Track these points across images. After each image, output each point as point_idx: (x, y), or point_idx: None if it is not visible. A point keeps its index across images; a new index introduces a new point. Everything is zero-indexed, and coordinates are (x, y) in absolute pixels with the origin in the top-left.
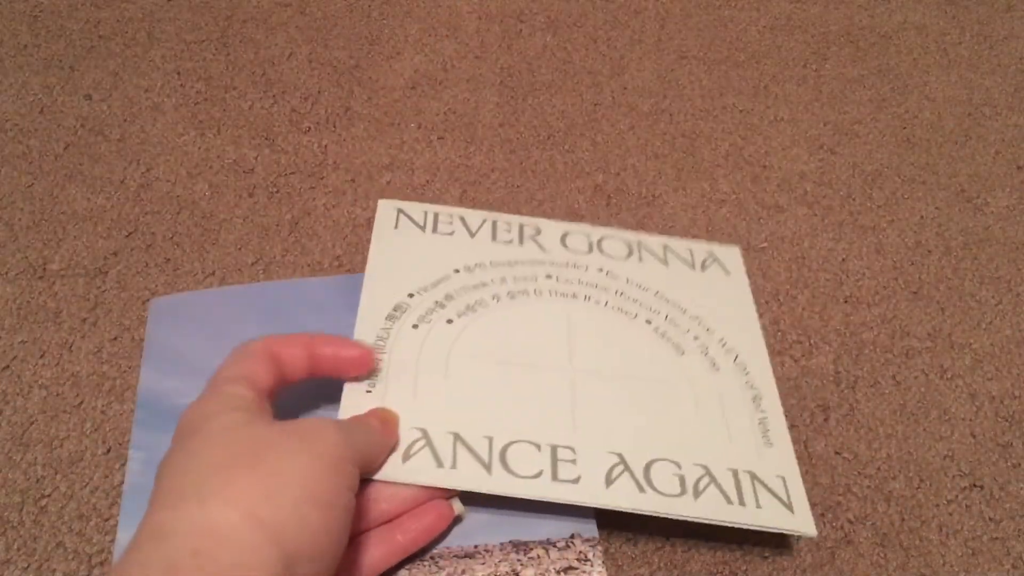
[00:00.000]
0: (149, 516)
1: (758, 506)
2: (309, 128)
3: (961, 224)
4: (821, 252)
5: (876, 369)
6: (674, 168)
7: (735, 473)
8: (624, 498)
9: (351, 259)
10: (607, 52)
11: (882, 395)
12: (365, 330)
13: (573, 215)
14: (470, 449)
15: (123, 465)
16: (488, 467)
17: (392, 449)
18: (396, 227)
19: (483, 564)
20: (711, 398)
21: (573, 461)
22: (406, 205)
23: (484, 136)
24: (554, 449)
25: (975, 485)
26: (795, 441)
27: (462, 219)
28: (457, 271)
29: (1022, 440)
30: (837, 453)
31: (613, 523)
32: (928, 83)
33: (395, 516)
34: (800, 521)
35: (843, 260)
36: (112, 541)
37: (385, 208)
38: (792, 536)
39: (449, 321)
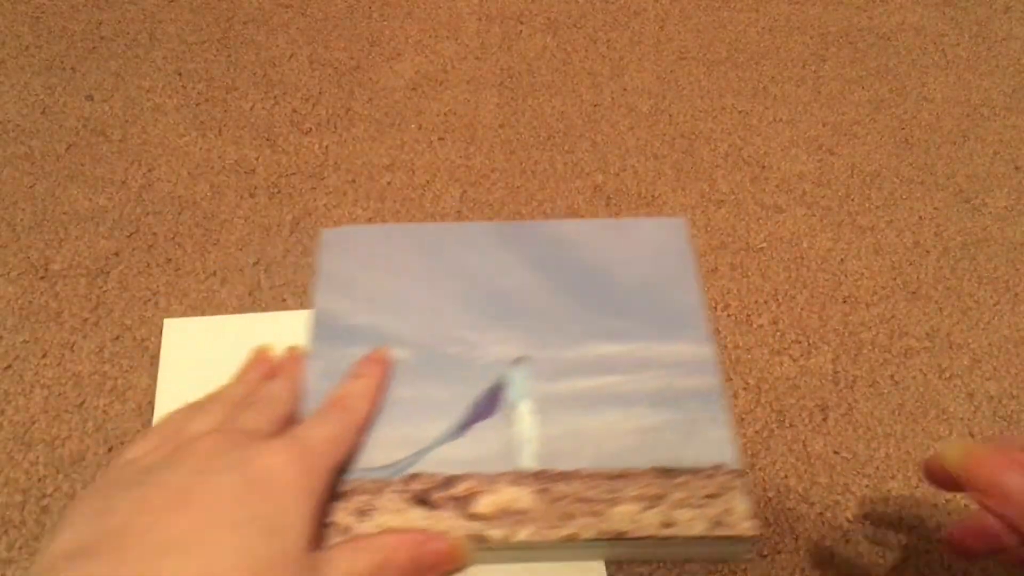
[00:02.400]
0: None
1: None
2: (310, 129)
3: (959, 224)
4: (820, 252)
5: (874, 369)
6: (673, 168)
7: None
8: None
9: None
10: (607, 53)
11: (880, 395)
12: None
13: (573, 215)
14: None
15: None
16: None
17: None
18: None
19: (632, 485)
20: None
21: None
22: None
23: (484, 137)
24: None
25: None
26: (794, 440)
27: None
28: None
29: None
30: (836, 452)
31: None
32: (926, 84)
33: None
34: None
35: (842, 260)
36: None
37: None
38: None
39: None
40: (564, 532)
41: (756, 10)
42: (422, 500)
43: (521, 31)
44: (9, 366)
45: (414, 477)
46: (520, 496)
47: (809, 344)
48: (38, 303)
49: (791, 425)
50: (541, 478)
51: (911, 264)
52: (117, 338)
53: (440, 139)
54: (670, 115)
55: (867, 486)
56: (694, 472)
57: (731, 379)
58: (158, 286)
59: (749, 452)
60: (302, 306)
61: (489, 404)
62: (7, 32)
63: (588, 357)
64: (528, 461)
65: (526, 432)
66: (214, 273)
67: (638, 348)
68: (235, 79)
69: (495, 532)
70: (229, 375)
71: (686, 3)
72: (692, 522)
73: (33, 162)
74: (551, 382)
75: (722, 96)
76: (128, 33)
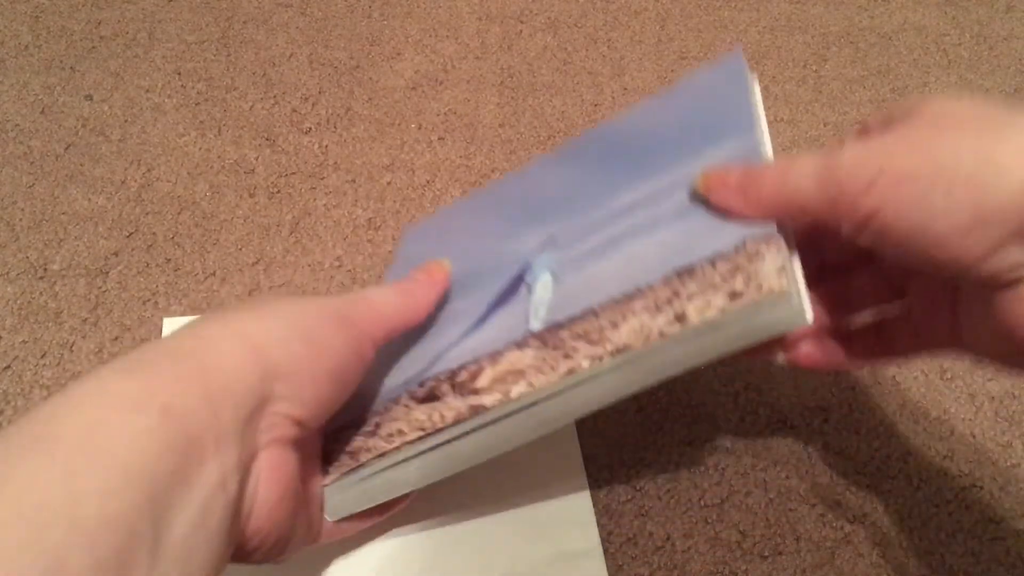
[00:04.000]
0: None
1: None
2: (310, 129)
3: None
4: None
5: (875, 369)
6: None
7: None
8: None
9: (352, 259)
10: (607, 52)
11: (882, 395)
12: None
13: None
14: None
15: None
16: None
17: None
18: None
19: (642, 300)
20: None
21: None
22: None
23: (484, 136)
24: None
25: (974, 485)
26: (795, 441)
27: None
28: None
29: (1021, 440)
30: (837, 453)
31: (612, 522)
32: (928, 84)
33: None
34: None
35: None
36: None
37: None
38: None
39: None
40: (561, 370)
41: (757, 10)
42: (428, 398)
43: (521, 31)
44: (8, 366)
45: (423, 383)
46: (521, 358)
47: None
48: (37, 303)
49: (792, 426)
50: (545, 333)
51: None
52: (116, 338)
53: (440, 139)
54: None
55: (868, 487)
56: (714, 260)
57: (732, 380)
58: (157, 286)
59: (749, 453)
60: None
61: (509, 290)
62: (6, 32)
63: (615, 207)
64: (536, 324)
65: (539, 298)
66: (214, 273)
67: (670, 174)
68: (235, 79)
69: (490, 398)
70: None
71: (686, 3)
72: (706, 306)
73: (32, 162)
74: (576, 244)
75: None
76: (127, 33)
